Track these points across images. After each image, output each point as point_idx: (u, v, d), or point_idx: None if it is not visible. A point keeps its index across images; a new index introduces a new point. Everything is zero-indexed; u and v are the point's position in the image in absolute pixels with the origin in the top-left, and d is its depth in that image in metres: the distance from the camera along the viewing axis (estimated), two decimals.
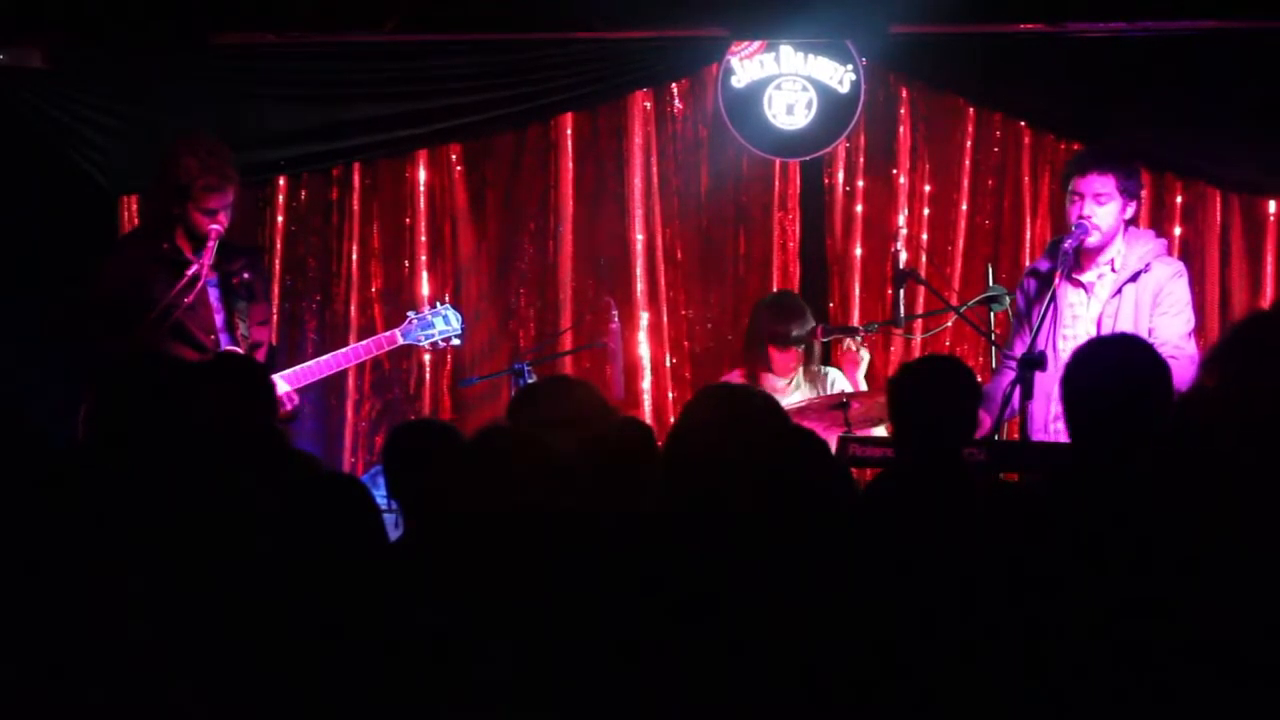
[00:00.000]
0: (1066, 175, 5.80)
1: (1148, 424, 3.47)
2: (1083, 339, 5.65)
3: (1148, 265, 5.66)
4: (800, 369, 6.42)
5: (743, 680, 3.07)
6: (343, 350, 6.15)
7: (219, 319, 5.72)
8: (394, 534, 3.98)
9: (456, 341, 6.24)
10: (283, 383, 5.71)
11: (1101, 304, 5.67)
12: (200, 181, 5.60)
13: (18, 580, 3.16)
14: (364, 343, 6.17)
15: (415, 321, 6.13)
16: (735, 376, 6.56)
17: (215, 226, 5.64)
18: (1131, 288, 5.65)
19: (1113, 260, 5.70)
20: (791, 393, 6.34)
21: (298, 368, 5.98)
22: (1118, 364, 3.60)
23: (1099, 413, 3.50)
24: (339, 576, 3.15)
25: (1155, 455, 3.42)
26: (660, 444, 3.92)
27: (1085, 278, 5.72)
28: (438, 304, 6.28)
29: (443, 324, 6.15)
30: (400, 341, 6.11)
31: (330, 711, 2.99)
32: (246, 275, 5.79)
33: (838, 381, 6.47)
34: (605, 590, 3.10)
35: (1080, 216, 5.62)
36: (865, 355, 6.44)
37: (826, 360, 6.64)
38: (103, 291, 5.67)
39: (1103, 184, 5.63)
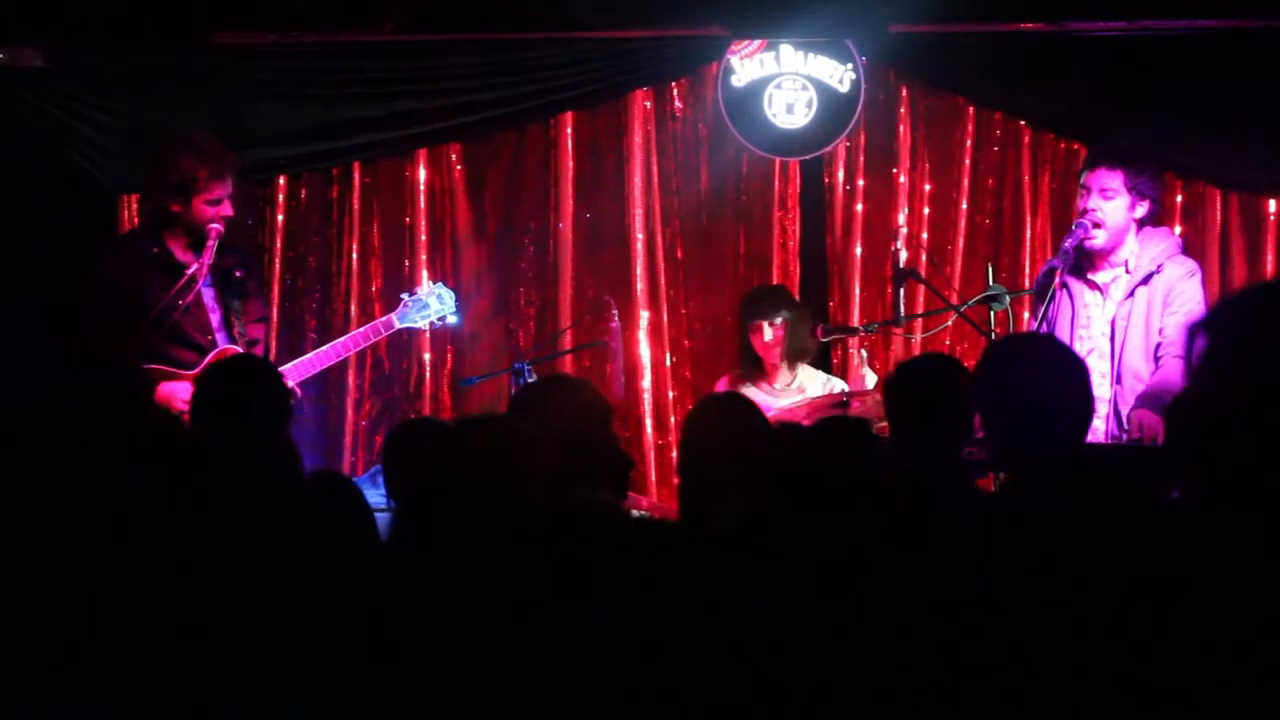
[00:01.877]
0: (1080, 171, 5.82)
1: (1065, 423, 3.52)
2: (1097, 340, 5.67)
3: (1160, 266, 5.66)
4: (788, 369, 6.42)
5: (742, 682, 3.07)
6: (340, 340, 6.13)
7: (215, 318, 5.73)
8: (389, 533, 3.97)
9: (453, 320, 6.22)
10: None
11: (1116, 305, 5.68)
12: (203, 171, 5.62)
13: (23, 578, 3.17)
14: (361, 330, 6.16)
15: (410, 304, 6.12)
16: (722, 385, 6.57)
17: (216, 226, 5.66)
18: (1144, 290, 5.65)
19: (1126, 261, 5.70)
20: (785, 397, 6.35)
21: (297, 361, 5.98)
22: (1034, 364, 3.64)
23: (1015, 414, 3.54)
24: (329, 577, 3.14)
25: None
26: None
27: (1100, 279, 5.72)
28: (429, 284, 6.28)
29: (437, 303, 6.14)
30: (397, 325, 6.10)
31: (322, 714, 2.99)
32: (238, 274, 5.80)
33: (833, 384, 6.48)
34: (602, 590, 3.10)
35: (1085, 210, 5.63)
36: (871, 376, 6.45)
37: (828, 369, 6.63)
38: (99, 296, 5.68)
39: (1110, 178, 5.64)
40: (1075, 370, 3.66)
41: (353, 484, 3.45)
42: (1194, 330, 2.29)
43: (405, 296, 6.17)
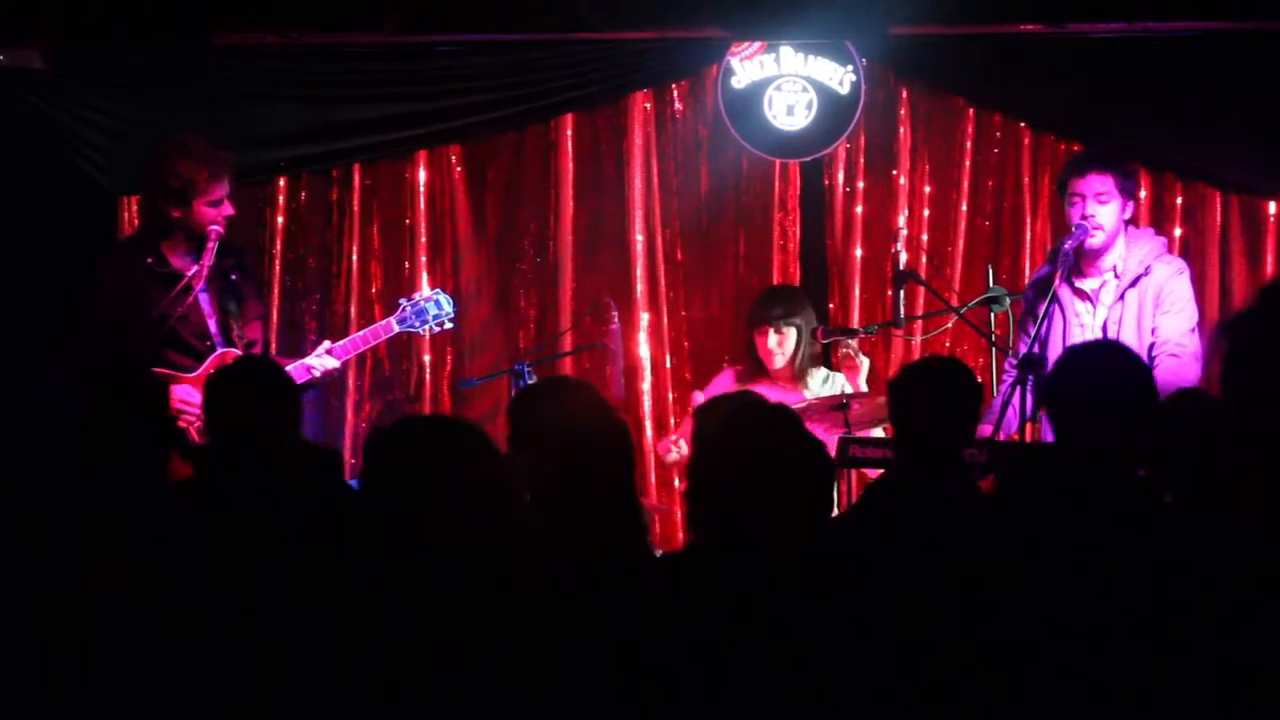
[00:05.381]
0: (1064, 178, 5.83)
1: (1132, 428, 3.51)
2: None
3: (1148, 268, 5.68)
4: (792, 368, 6.39)
5: (741, 683, 3.07)
6: (340, 343, 6.10)
7: (212, 323, 5.72)
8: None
9: (450, 325, 6.21)
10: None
11: (1106, 310, 5.69)
12: (202, 174, 5.61)
13: (24, 577, 3.17)
14: (360, 334, 6.14)
15: (409, 309, 6.11)
16: (728, 377, 6.55)
17: (217, 227, 5.66)
18: (1134, 293, 5.67)
19: (1114, 266, 5.71)
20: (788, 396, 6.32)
21: (293, 365, 5.94)
22: (1107, 371, 3.62)
23: (1090, 419, 3.52)
24: (325, 577, 3.13)
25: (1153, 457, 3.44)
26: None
27: (1088, 286, 5.73)
28: (428, 289, 6.27)
29: (435, 309, 6.13)
30: (395, 329, 6.08)
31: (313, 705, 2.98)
32: (234, 276, 5.78)
33: (836, 383, 6.45)
34: (595, 591, 3.10)
35: (1083, 217, 5.63)
36: (865, 361, 6.42)
37: (828, 365, 6.61)
38: (93, 308, 5.66)
39: (1102, 183, 5.66)
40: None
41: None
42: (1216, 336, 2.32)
43: (404, 301, 6.15)
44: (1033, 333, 5.62)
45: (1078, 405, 3.54)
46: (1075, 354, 3.81)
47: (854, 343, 6.41)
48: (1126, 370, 3.59)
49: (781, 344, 6.34)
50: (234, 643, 3.07)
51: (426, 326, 6.13)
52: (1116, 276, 5.71)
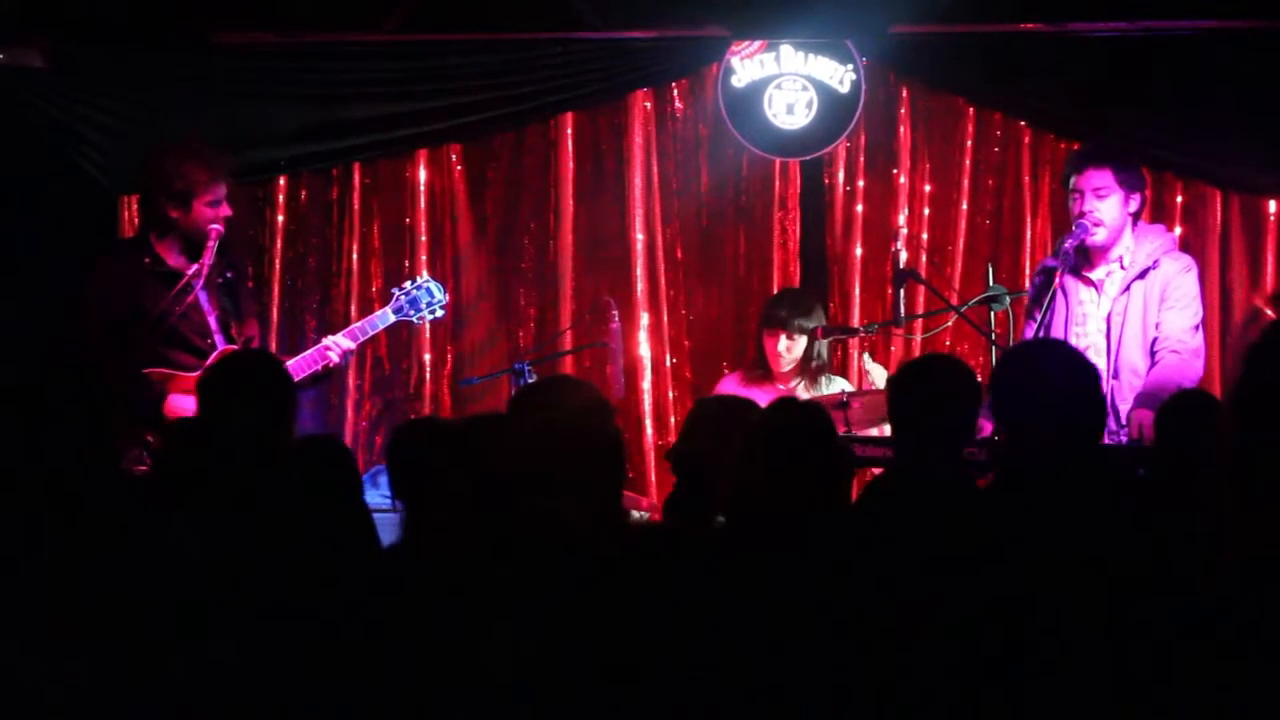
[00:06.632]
0: (1065, 174, 5.83)
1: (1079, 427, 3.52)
2: (1094, 337, 5.68)
3: (1156, 262, 5.68)
4: (799, 373, 6.39)
5: (738, 682, 3.07)
6: (342, 332, 6.08)
7: (212, 320, 5.72)
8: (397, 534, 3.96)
9: (440, 313, 6.22)
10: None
11: (1111, 301, 5.70)
12: (204, 175, 5.63)
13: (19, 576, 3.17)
14: (358, 324, 6.13)
15: (403, 298, 6.11)
16: (733, 381, 6.55)
17: (216, 226, 5.66)
18: (1140, 285, 5.68)
19: (1121, 257, 5.72)
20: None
21: (293, 360, 5.94)
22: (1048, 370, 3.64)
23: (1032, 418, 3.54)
24: (333, 575, 3.14)
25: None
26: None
27: (1095, 275, 5.74)
28: (418, 279, 6.27)
29: (427, 296, 6.16)
30: (392, 319, 6.08)
31: (322, 707, 2.99)
32: (229, 274, 5.81)
33: (836, 383, 6.45)
34: (599, 593, 3.10)
35: (1082, 212, 5.64)
36: (880, 371, 6.41)
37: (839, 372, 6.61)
38: (91, 310, 5.65)
39: (1100, 178, 5.66)
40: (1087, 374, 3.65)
41: (343, 449, 3.41)
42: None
43: (396, 291, 6.15)
44: (1038, 319, 5.63)
45: (1016, 406, 3.56)
46: (1015, 354, 3.82)
47: (870, 358, 6.43)
48: (1066, 375, 3.61)
49: (790, 349, 6.35)
50: (231, 641, 3.07)
51: (420, 315, 6.14)
52: (1123, 268, 5.71)
